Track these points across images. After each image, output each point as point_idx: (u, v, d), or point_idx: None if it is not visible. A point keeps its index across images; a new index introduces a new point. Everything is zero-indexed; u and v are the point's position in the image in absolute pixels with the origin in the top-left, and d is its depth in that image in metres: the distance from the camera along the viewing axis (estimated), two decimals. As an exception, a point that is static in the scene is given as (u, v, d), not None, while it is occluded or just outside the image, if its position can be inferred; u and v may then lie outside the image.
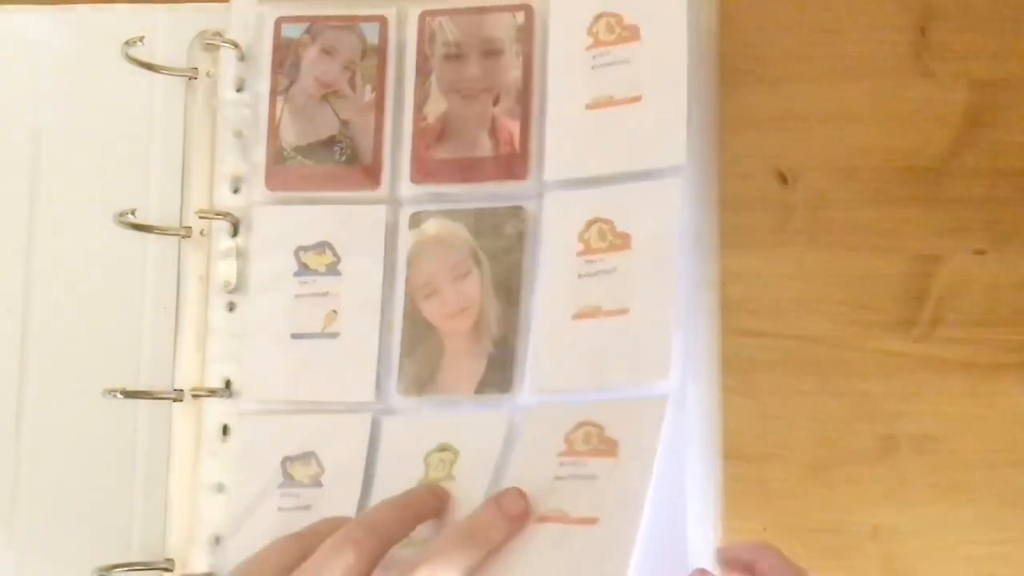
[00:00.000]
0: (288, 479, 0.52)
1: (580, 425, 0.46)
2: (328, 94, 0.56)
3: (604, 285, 0.49)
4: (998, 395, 0.54)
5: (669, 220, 0.48)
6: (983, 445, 0.54)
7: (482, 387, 0.51)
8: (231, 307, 0.56)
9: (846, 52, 0.57)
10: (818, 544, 0.54)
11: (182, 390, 0.55)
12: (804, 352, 0.55)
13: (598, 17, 0.52)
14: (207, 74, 0.57)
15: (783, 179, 0.56)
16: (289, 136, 0.55)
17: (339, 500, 0.51)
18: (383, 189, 0.55)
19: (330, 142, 0.55)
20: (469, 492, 0.47)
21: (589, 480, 0.44)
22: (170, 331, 0.56)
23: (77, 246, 0.58)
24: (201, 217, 0.56)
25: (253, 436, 0.53)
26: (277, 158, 0.55)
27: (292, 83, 0.56)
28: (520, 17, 0.54)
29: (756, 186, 0.56)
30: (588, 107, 0.52)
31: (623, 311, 0.48)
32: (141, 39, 0.57)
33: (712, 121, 0.56)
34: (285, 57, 0.56)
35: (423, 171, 0.54)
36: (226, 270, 0.55)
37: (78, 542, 0.56)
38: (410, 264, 0.53)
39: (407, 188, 0.54)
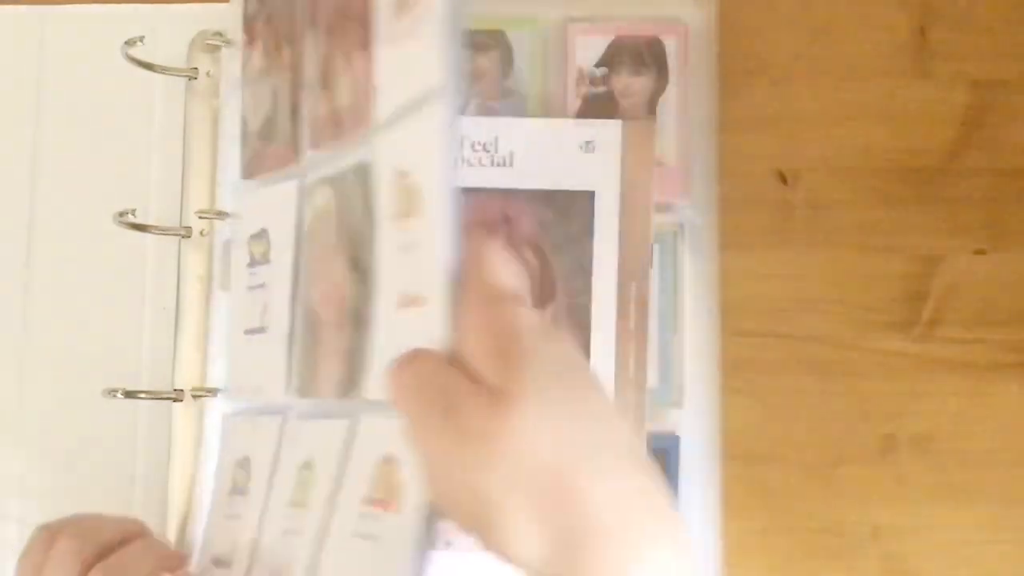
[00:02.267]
0: (234, 486, 0.49)
1: (383, 460, 0.38)
2: (268, 68, 0.51)
3: (409, 262, 0.38)
4: (998, 395, 0.54)
5: (433, 155, 0.36)
6: (983, 445, 0.54)
7: (339, 387, 0.42)
8: (231, 307, 0.56)
9: (846, 52, 0.57)
10: (818, 544, 0.54)
11: (182, 390, 0.55)
12: (804, 352, 0.55)
13: None
14: (207, 74, 0.57)
15: (783, 179, 0.56)
16: (252, 120, 0.53)
17: (256, 512, 0.46)
18: (300, 163, 0.47)
19: (270, 121, 0.51)
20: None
21: (373, 541, 0.37)
22: (170, 331, 0.56)
23: (77, 246, 0.58)
24: (201, 217, 0.56)
25: (217, 441, 0.52)
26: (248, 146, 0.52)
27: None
28: None
29: (756, 186, 0.56)
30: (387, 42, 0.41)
31: (419, 300, 0.37)
32: (141, 39, 0.57)
33: (712, 121, 0.56)
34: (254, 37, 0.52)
35: (316, 134, 0.46)
36: (223, 269, 0.55)
37: (78, 542, 0.56)
38: (308, 244, 0.46)
39: (311, 157, 0.46)
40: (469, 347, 0.33)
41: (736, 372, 0.55)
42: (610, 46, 0.56)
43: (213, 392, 0.54)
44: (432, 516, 0.34)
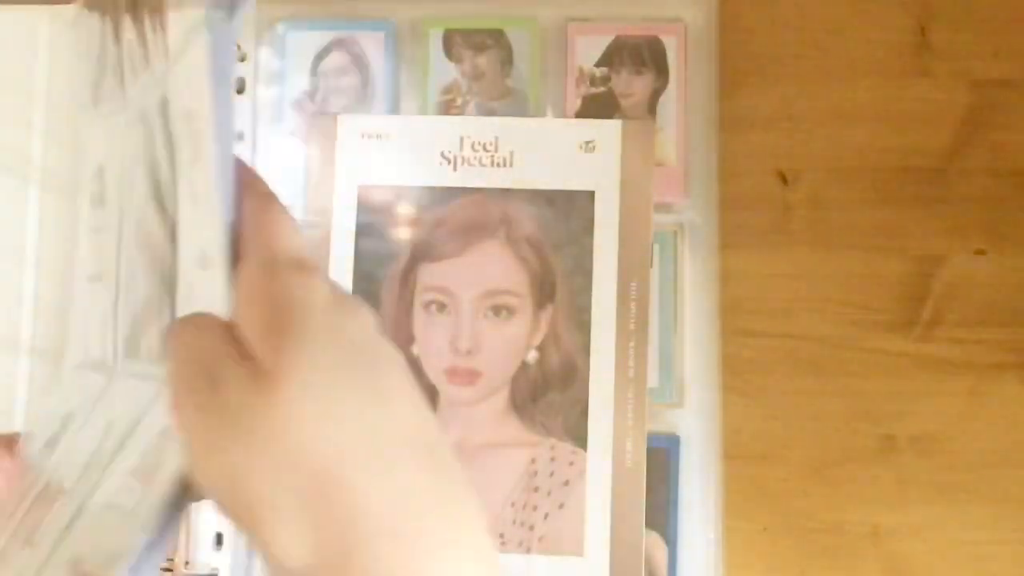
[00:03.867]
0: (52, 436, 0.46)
1: (160, 432, 0.36)
2: None
3: (199, 216, 0.37)
4: (998, 395, 0.54)
5: (203, 95, 0.35)
6: (983, 445, 0.54)
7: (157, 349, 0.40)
8: (231, 307, 0.56)
9: (846, 52, 0.57)
10: (818, 544, 0.54)
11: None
12: (804, 352, 0.55)
13: None
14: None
15: (783, 179, 0.56)
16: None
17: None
18: (125, 95, 0.43)
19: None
20: None
21: (121, 513, 0.35)
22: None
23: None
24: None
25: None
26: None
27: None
28: None
29: (756, 186, 0.56)
30: None
31: (208, 259, 0.36)
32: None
33: (712, 121, 0.56)
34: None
35: (132, 63, 0.43)
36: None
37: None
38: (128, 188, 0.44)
39: (131, 90, 0.43)
40: (246, 317, 0.29)
41: (736, 372, 0.55)
42: (610, 46, 0.56)
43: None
44: (183, 495, 0.31)
